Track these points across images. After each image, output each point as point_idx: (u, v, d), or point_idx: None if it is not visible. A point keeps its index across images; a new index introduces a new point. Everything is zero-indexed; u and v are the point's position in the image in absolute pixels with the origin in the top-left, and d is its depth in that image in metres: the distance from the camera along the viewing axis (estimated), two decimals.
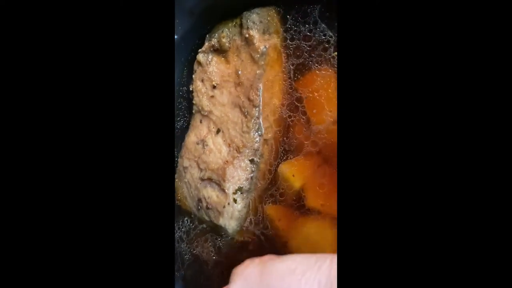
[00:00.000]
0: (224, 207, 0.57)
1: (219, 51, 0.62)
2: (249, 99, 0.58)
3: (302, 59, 0.57)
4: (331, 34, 0.56)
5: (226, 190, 0.57)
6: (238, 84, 0.60)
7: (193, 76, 0.64)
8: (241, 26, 0.60)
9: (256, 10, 0.60)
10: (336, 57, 0.55)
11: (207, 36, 0.64)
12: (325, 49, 0.56)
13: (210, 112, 0.62)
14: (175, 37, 0.63)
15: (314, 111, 0.54)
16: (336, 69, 0.54)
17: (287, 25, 0.59)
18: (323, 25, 0.56)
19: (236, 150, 0.57)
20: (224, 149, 0.59)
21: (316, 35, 0.57)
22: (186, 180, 0.64)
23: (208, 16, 0.63)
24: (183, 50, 0.65)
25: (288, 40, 0.59)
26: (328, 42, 0.56)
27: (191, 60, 0.64)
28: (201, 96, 0.63)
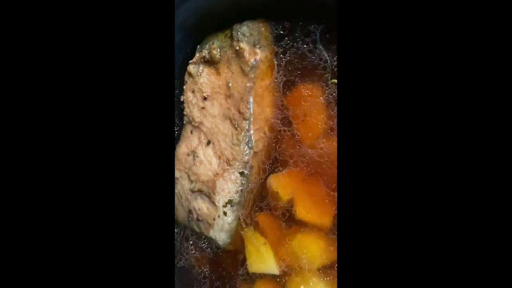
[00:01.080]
0: (214, 219, 0.57)
1: (210, 62, 0.62)
2: (239, 112, 0.58)
3: (293, 75, 0.58)
4: (327, 58, 0.56)
5: (216, 203, 0.57)
6: (229, 96, 0.60)
7: (184, 87, 0.64)
8: (231, 38, 0.60)
9: (247, 22, 0.60)
10: (329, 81, 0.55)
11: (198, 47, 0.64)
12: (321, 76, 0.57)
13: (201, 123, 0.62)
14: None
15: (302, 126, 0.54)
16: (322, 85, 0.55)
17: (284, 40, 0.60)
18: (321, 46, 0.57)
19: (226, 163, 0.58)
20: (215, 161, 0.59)
21: (314, 55, 0.58)
22: (177, 191, 0.64)
23: (198, 30, 0.63)
24: (175, 63, 0.65)
25: (281, 54, 0.59)
26: (324, 68, 0.56)
27: (182, 72, 0.64)
28: (191, 107, 0.63)
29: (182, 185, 0.63)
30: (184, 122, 0.65)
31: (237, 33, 0.59)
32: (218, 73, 0.62)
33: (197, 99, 0.63)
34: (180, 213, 0.64)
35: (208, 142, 0.61)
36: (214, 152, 0.60)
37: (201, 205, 0.60)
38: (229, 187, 0.57)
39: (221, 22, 0.62)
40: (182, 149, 0.64)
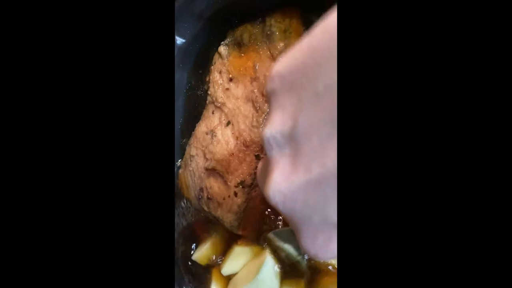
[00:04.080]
0: (224, 199, 0.57)
1: (241, 45, 0.62)
2: (262, 95, 0.58)
3: None
4: None
5: (229, 183, 0.56)
6: (254, 79, 0.60)
7: (212, 67, 0.65)
8: (264, 23, 0.61)
9: (279, 9, 0.60)
10: None
11: (230, 30, 0.65)
12: None
13: (223, 104, 0.62)
14: (183, 40, 0.64)
15: None
16: None
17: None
18: None
19: (243, 144, 0.57)
20: (232, 141, 0.59)
21: None
22: (191, 169, 0.64)
23: (216, 20, 0.63)
24: (192, 53, 0.66)
25: None
26: None
27: (200, 62, 0.66)
28: (216, 87, 0.63)
29: (197, 163, 0.63)
30: (207, 102, 0.65)
31: (270, 19, 0.59)
32: (247, 56, 0.62)
33: (222, 80, 0.63)
34: (191, 190, 0.64)
35: (228, 123, 0.61)
36: (233, 133, 0.60)
37: (213, 184, 0.59)
38: (243, 168, 0.56)
39: (237, 15, 0.62)
40: (201, 128, 0.64)
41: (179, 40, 0.64)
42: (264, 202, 0.58)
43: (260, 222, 0.59)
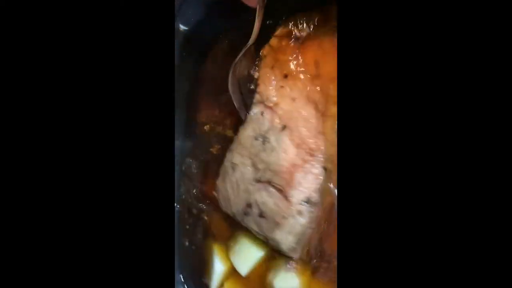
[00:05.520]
0: (283, 218, 0.48)
1: (297, 37, 0.54)
2: (328, 95, 0.49)
3: None
4: None
5: (290, 198, 0.47)
6: (316, 76, 0.51)
7: (262, 62, 0.56)
8: (327, 13, 0.52)
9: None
10: None
11: (283, 19, 0.56)
12: None
13: (276, 104, 0.53)
14: (186, 28, 0.56)
15: None
16: None
17: None
18: None
19: (309, 154, 0.48)
20: (292, 149, 0.50)
21: None
22: (233, 180, 0.54)
23: (223, 7, 0.54)
24: (197, 42, 0.58)
25: None
26: None
27: (205, 52, 0.59)
28: (267, 85, 0.54)
29: (243, 173, 0.53)
30: (255, 101, 0.56)
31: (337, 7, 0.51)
32: (305, 50, 0.53)
33: (275, 77, 0.54)
34: (234, 205, 0.54)
35: (284, 127, 0.52)
36: (291, 140, 0.50)
37: (266, 199, 0.50)
38: (309, 183, 0.47)
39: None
40: (247, 132, 0.55)
41: (182, 27, 0.56)
42: (328, 222, 0.49)
43: (318, 246, 0.50)
